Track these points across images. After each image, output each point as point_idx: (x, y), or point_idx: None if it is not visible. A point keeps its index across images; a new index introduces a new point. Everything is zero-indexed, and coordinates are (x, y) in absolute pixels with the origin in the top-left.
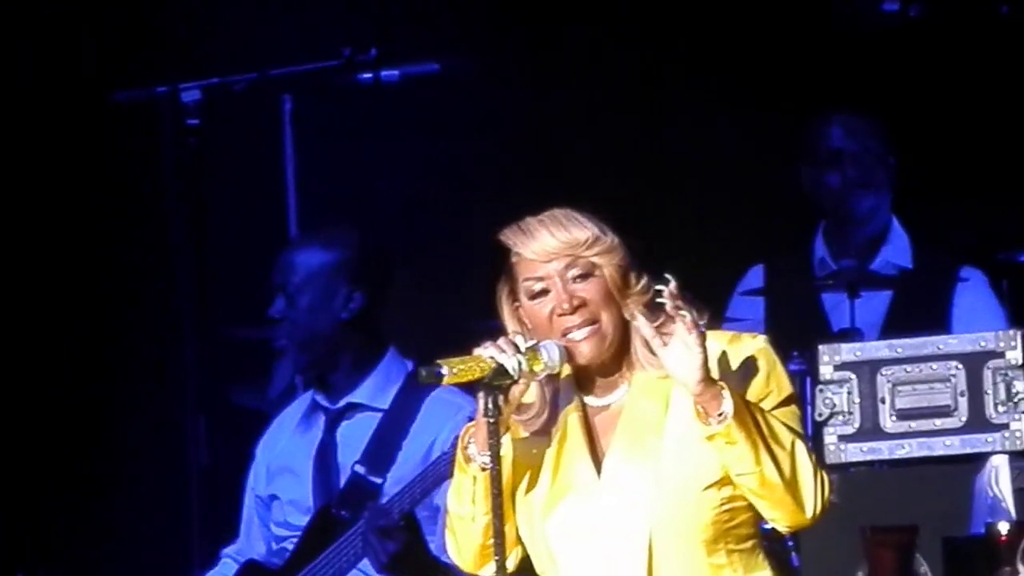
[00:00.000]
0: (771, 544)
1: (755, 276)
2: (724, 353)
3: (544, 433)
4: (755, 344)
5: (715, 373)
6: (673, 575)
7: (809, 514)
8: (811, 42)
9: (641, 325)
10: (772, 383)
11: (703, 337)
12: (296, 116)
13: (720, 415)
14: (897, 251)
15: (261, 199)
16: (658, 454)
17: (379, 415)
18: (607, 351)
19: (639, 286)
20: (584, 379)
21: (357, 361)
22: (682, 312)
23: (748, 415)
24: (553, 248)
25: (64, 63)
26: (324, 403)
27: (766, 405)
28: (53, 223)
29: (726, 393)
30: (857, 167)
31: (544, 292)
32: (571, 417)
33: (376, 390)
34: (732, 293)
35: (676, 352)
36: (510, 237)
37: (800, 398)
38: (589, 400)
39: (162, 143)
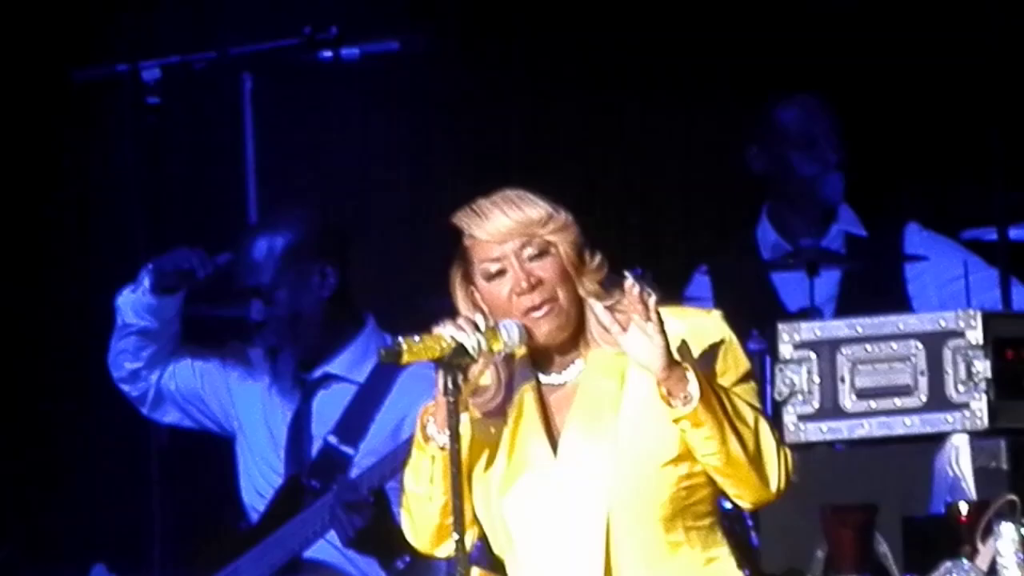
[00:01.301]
0: (730, 523)
1: (700, 272)
2: (678, 329)
3: (500, 414)
4: (710, 320)
5: (672, 351)
6: (631, 552)
7: (773, 489)
8: (765, 22)
9: (599, 314)
10: (730, 359)
11: (661, 324)
12: (256, 94)
13: (685, 397)
14: (849, 222)
15: (221, 177)
16: (615, 431)
17: (355, 387)
18: (566, 329)
19: (594, 263)
20: (539, 357)
21: (336, 333)
22: (639, 305)
23: (713, 396)
24: (507, 228)
25: (22, 41)
26: (300, 373)
27: (725, 382)
28: (11, 204)
29: (691, 375)
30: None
31: (501, 273)
32: (526, 396)
33: (353, 362)
34: (689, 271)
35: (636, 339)
36: (463, 219)
37: (760, 377)
38: (544, 378)
39: (122, 121)
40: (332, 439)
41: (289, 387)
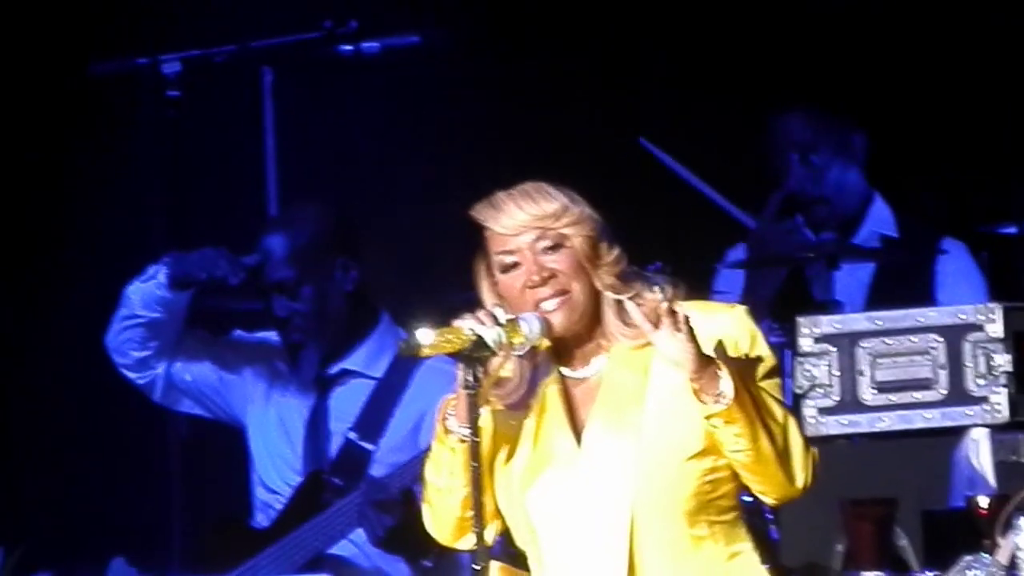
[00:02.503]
0: (750, 517)
1: (739, 252)
2: (704, 325)
3: (522, 407)
4: (735, 315)
5: (704, 349)
6: (654, 546)
7: (799, 486)
8: (786, 18)
9: (631, 310)
10: (755, 355)
11: (692, 331)
12: (276, 88)
13: (718, 395)
14: (881, 222)
15: (241, 171)
16: (639, 425)
17: (373, 383)
18: (580, 322)
19: (610, 257)
20: (562, 351)
21: (353, 329)
22: (668, 317)
23: (746, 394)
24: (521, 221)
25: (44, 35)
26: (317, 369)
27: (750, 377)
28: (32, 197)
29: (723, 373)
30: (812, 179)
31: (515, 265)
32: (550, 389)
33: (370, 358)
34: (719, 266)
35: (667, 337)
36: (480, 212)
37: (780, 371)
38: (568, 372)
39: (142, 115)
40: (352, 435)
41: (310, 383)
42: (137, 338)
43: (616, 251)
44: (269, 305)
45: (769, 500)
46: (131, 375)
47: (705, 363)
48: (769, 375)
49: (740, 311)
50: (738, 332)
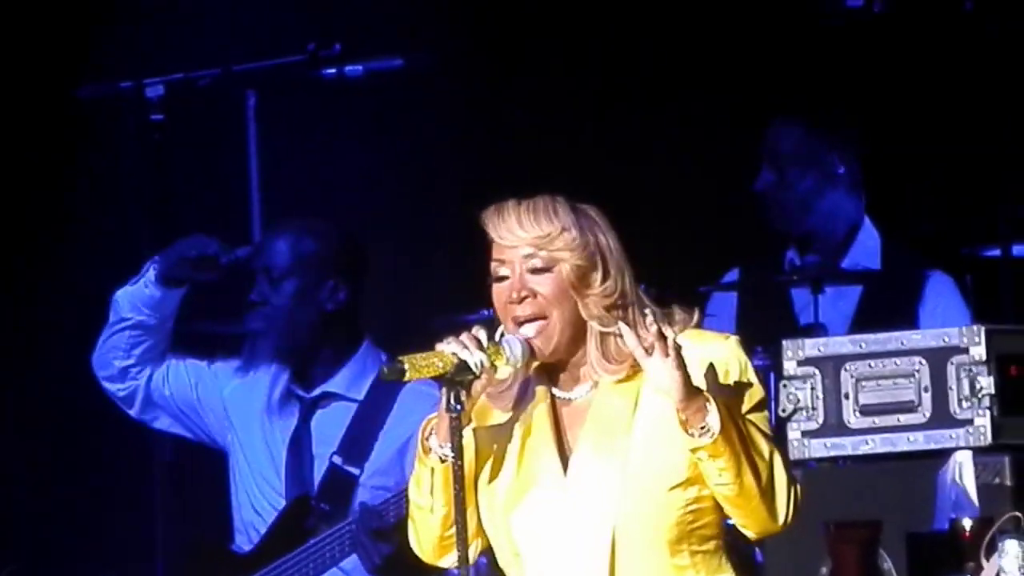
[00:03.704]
0: (734, 540)
1: (732, 276)
2: (696, 354)
3: (511, 410)
4: (727, 346)
5: (693, 380)
6: (636, 574)
7: (780, 522)
8: (778, 39)
9: (625, 335)
10: (745, 388)
11: (681, 359)
12: (260, 111)
13: (704, 428)
14: (865, 252)
15: (225, 194)
16: (625, 452)
17: (354, 406)
18: (561, 347)
19: (600, 288)
20: (552, 371)
21: (334, 352)
22: (659, 341)
23: (733, 428)
24: (519, 236)
25: (27, 59)
26: (298, 391)
27: (739, 409)
28: (18, 220)
29: (711, 407)
30: (777, 185)
31: (504, 277)
32: (538, 408)
33: (352, 380)
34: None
35: (658, 365)
36: (487, 217)
37: (767, 403)
38: (557, 392)
39: (126, 139)
40: (337, 459)
41: (285, 398)
42: (123, 344)
43: (609, 283)
44: (242, 324)
45: (749, 533)
46: (112, 387)
47: (693, 394)
48: (756, 408)
49: (733, 341)
50: (729, 363)
